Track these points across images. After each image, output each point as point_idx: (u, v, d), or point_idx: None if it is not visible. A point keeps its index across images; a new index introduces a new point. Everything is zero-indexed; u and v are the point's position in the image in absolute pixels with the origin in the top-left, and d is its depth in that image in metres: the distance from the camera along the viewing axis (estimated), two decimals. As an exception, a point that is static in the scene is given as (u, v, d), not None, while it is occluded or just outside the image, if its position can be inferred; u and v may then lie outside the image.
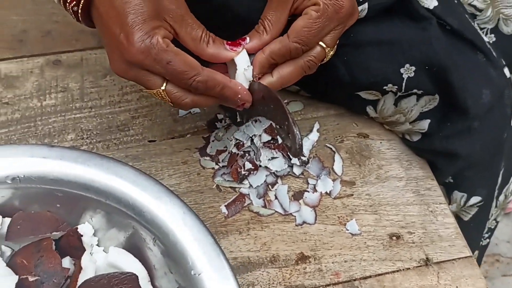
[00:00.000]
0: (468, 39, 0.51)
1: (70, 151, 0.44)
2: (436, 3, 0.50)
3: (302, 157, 0.56)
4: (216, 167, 0.56)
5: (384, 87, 0.52)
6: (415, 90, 0.52)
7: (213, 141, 0.57)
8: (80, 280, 0.39)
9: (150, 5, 0.40)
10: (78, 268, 0.40)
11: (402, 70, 0.51)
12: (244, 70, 0.44)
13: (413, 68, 0.50)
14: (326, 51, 0.45)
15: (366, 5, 0.49)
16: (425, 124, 0.55)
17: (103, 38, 0.43)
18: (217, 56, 0.43)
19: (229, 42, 0.44)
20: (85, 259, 0.41)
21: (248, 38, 0.45)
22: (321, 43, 0.44)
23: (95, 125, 0.59)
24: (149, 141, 0.58)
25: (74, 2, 0.42)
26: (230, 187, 0.55)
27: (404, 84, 0.51)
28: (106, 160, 0.43)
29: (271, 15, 0.44)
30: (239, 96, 0.44)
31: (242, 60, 0.44)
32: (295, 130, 0.39)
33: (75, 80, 0.63)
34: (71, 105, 0.61)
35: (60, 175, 0.43)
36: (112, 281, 0.38)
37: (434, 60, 0.49)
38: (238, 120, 0.51)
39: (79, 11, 0.42)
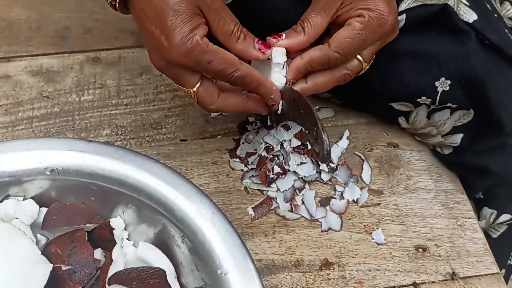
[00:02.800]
0: (507, 55, 0.50)
1: (106, 147, 0.45)
2: (475, 17, 0.49)
3: (331, 164, 0.56)
4: (245, 169, 0.57)
5: (418, 100, 0.52)
6: (449, 104, 0.51)
7: (243, 143, 0.58)
8: (111, 272, 0.40)
9: (188, 2, 0.40)
10: (109, 260, 0.41)
11: (437, 84, 0.50)
12: (277, 72, 0.45)
13: (449, 82, 0.50)
14: (363, 65, 0.46)
15: (403, 16, 0.49)
16: (457, 138, 0.54)
17: (142, 34, 0.44)
18: (244, 53, 0.43)
19: (260, 41, 0.44)
20: (116, 252, 0.42)
21: (284, 35, 0.45)
22: (358, 56, 0.45)
23: (130, 122, 0.61)
24: (181, 140, 0.59)
25: None
26: (258, 189, 0.55)
27: (438, 97, 0.51)
28: (140, 157, 0.45)
29: (312, 17, 0.44)
30: (272, 96, 0.45)
31: (277, 60, 0.44)
32: (323, 136, 0.39)
33: (113, 77, 0.65)
34: (107, 102, 0.63)
35: (96, 170, 0.44)
36: (141, 275, 0.39)
37: (471, 74, 0.49)
38: (269, 123, 0.51)
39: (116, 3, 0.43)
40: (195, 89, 0.44)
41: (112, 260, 0.41)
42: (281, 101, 0.46)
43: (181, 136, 0.60)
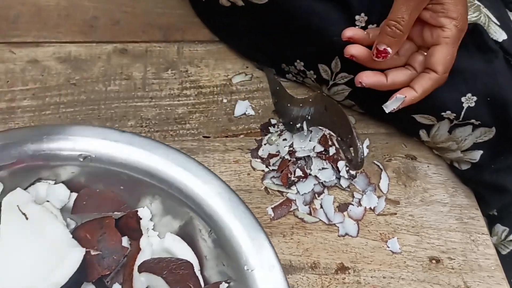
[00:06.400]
0: None
1: (139, 138, 0.46)
2: (505, 37, 0.51)
3: (351, 171, 0.57)
4: (266, 169, 0.58)
5: (442, 113, 0.53)
6: (472, 121, 0.53)
7: (265, 144, 0.59)
8: (138, 261, 0.41)
9: None
10: (137, 249, 0.42)
11: (463, 99, 0.51)
12: None
13: (475, 98, 0.51)
14: None
15: None
16: (477, 155, 0.55)
17: None
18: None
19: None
20: (143, 241, 0.43)
21: (389, 49, 0.47)
22: None
23: (154, 115, 0.62)
24: (204, 137, 0.60)
25: None
26: (278, 190, 0.56)
27: (463, 113, 0.52)
28: (172, 150, 0.46)
29: (404, 12, 0.45)
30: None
31: None
32: (358, 144, 0.40)
33: (139, 70, 0.66)
34: (133, 93, 0.63)
35: (129, 160, 0.45)
36: (170, 265, 0.40)
37: (497, 93, 0.50)
38: (297, 126, 0.52)
39: None
40: None
41: (140, 249, 0.42)
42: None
43: (204, 133, 0.61)
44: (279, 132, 0.60)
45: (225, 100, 0.64)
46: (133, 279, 0.40)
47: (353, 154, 0.42)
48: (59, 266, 0.38)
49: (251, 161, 0.59)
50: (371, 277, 0.51)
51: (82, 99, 0.62)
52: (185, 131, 0.61)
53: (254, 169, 0.58)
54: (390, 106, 0.49)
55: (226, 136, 0.61)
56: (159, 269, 0.39)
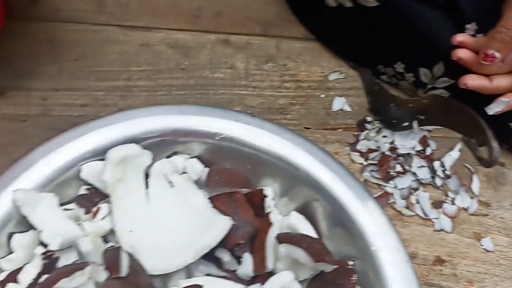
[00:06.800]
0: None
1: (268, 123, 0.50)
2: None
3: (446, 171, 0.60)
4: (365, 163, 0.61)
5: (540, 121, 0.56)
6: None
7: (363, 139, 0.63)
8: (270, 234, 0.45)
9: None
10: (267, 223, 0.46)
11: None
12: None
13: None
14: None
15: None
16: None
17: None
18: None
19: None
20: (273, 217, 0.47)
21: (497, 53, 0.50)
22: None
23: (258, 103, 0.66)
24: (305, 128, 0.64)
25: None
26: (377, 183, 0.60)
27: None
28: (299, 137, 0.49)
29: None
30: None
31: None
32: (493, 144, 0.43)
33: (241, 61, 0.70)
34: (237, 82, 0.67)
35: (259, 142, 0.49)
36: (305, 239, 0.44)
37: None
38: (404, 124, 0.55)
39: None
40: None
41: (270, 223, 0.46)
42: None
43: (305, 124, 0.64)
44: (377, 129, 0.63)
45: (322, 96, 0.67)
46: (265, 249, 0.44)
47: (479, 152, 0.45)
48: (209, 230, 0.42)
49: (349, 154, 0.62)
50: (467, 271, 0.54)
51: (191, 84, 0.66)
52: (287, 121, 0.64)
53: (353, 161, 0.61)
54: (494, 108, 0.52)
55: (325, 129, 0.64)
56: (297, 241, 0.43)
